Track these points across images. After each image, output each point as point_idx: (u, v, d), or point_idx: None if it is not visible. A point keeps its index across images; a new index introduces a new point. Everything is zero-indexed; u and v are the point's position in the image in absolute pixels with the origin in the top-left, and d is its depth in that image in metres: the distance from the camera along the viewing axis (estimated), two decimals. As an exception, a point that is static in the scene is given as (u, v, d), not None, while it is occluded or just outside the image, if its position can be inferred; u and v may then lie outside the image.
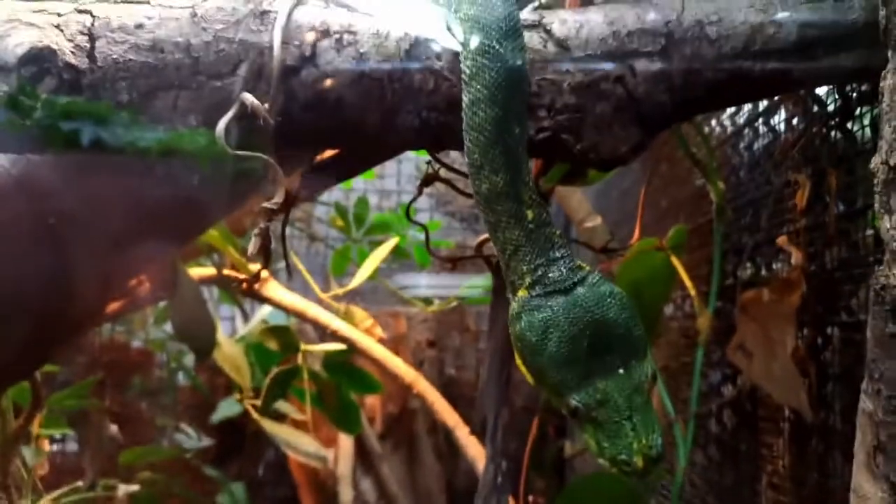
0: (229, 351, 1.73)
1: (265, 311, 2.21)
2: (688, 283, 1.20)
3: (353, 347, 1.62)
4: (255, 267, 1.58)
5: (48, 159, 0.97)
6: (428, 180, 0.97)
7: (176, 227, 1.13)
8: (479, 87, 0.74)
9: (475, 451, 1.47)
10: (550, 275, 0.73)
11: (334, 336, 1.62)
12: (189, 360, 2.74)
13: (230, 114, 0.77)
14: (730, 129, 1.44)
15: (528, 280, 0.74)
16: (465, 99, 0.75)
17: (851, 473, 0.67)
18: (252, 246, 0.81)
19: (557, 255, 0.74)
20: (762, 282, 1.21)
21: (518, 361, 0.73)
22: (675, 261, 1.23)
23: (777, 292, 1.08)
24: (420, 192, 1.02)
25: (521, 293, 0.74)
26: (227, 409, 2.57)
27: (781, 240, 1.09)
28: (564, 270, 0.73)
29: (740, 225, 1.35)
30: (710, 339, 1.20)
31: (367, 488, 2.56)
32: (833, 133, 1.04)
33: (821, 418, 1.04)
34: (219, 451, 2.73)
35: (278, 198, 0.80)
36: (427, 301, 2.26)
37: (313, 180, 1.03)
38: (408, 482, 2.61)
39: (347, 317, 1.69)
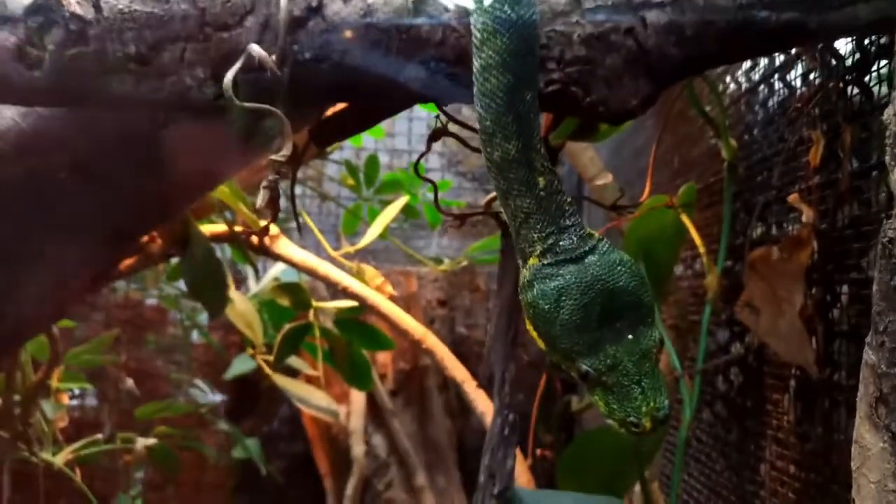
0: (242, 308, 1.75)
1: (277, 269, 2.23)
2: (697, 240, 1.20)
3: (364, 305, 1.64)
4: (265, 223, 1.59)
5: (58, 112, 0.97)
6: (437, 135, 0.97)
7: (187, 181, 1.14)
8: (490, 52, 0.73)
9: (484, 406, 1.49)
10: (562, 243, 0.73)
11: (345, 293, 1.63)
12: (203, 317, 2.78)
13: (237, 65, 0.77)
14: (745, 85, 1.42)
15: (539, 248, 0.74)
16: (476, 64, 0.74)
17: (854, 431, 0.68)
18: (260, 199, 0.81)
19: (568, 223, 0.74)
20: (772, 240, 1.20)
21: (529, 328, 0.74)
22: (685, 219, 1.23)
23: (787, 250, 1.07)
24: (429, 147, 1.01)
25: (533, 261, 0.74)
26: (240, 365, 2.61)
27: (793, 197, 1.09)
28: (575, 239, 0.73)
29: (752, 183, 1.34)
30: (718, 297, 1.20)
31: (379, 443, 2.60)
32: (850, 88, 1.02)
33: (827, 375, 1.05)
34: (233, 406, 2.79)
35: (286, 151, 0.80)
36: (437, 260, 2.27)
37: (321, 135, 1.03)
38: (419, 437, 2.65)
39: (358, 274, 1.70)
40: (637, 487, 1.44)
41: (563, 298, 0.71)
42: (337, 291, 2.59)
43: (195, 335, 2.93)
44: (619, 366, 0.70)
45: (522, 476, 1.40)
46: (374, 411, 2.60)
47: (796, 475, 1.14)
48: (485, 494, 1.01)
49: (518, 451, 1.27)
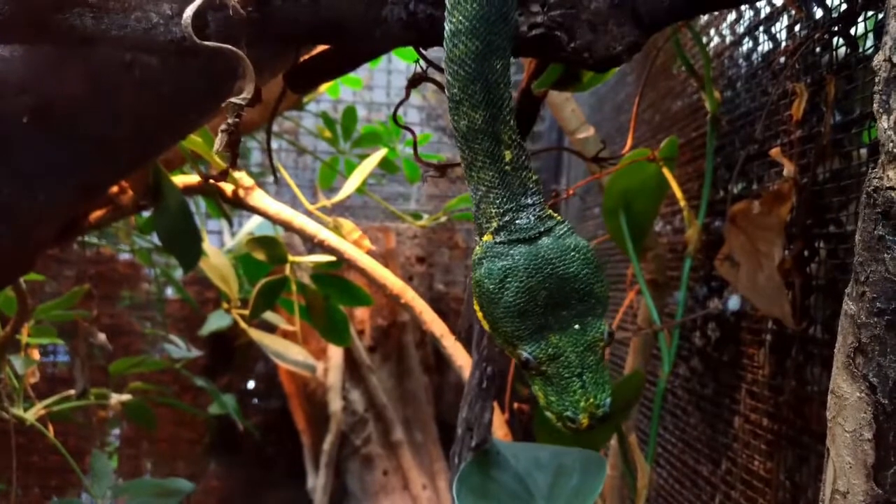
0: (216, 261, 1.72)
1: (253, 223, 2.20)
2: (679, 194, 1.19)
3: (341, 259, 1.62)
4: (241, 175, 1.56)
5: (19, 52, 0.93)
6: (416, 80, 0.94)
7: (156, 127, 1.10)
8: (460, 17, 0.70)
9: (462, 360, 1.49)
10: (518, 221, 0.71)
11: (322, 247, 1.61)
12: (177, 273, 2.75)
13: (197, 2, 0.73)
14: (729, 38, 1.40)
15: (494, 224, 0.72)
16: (447, 28, 0.71)
17: (829, 381, 0.68)
18: (218, 142, 0.78)
19: (529, 201, 0.72)
20: (753, 195, 1.20)
21: (476, 307, 0.73)
22: (666, 172, 1.22)
23: (767, 204, 1.07)
24: (408, 94, 0.98)
25: (486, 238, 0.73)
26: (216, 321, 2.59)
27: (774, 151, 1.08)
28: (532, 219, 0.72)
29: (734, 138, 1.33)
30: (698, 252, 1.20)
31: (356, 399, 2.61)
32: (836, 40, 1.01)
33: (802, 329, 1.06)
34: (208, 363, 2.78)
35: (247, 93, 0.77)
36: (416, 216, 2.25)
37: (297, 79, 1.00)
38: (396, 393, 2.67)
39: (335, 228, 1.68)
40: (613, 441, 1.46)
41: (509, 280, 0.69)
42: (313, 246, 2.58)
43: (169, 291, 2.91)
44: (561, 356, 0.68)
45: (500, 430, 1.41)
46: (352, 367, 2.61)
47: (769, 427, 1.16)
48: (462, 447, 1.02)
49: (495, 405, 1.28)
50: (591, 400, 0.67)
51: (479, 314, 0.72)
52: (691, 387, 1.50)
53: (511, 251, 0.70)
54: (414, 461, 2.59)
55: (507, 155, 0.72)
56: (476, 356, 1.03)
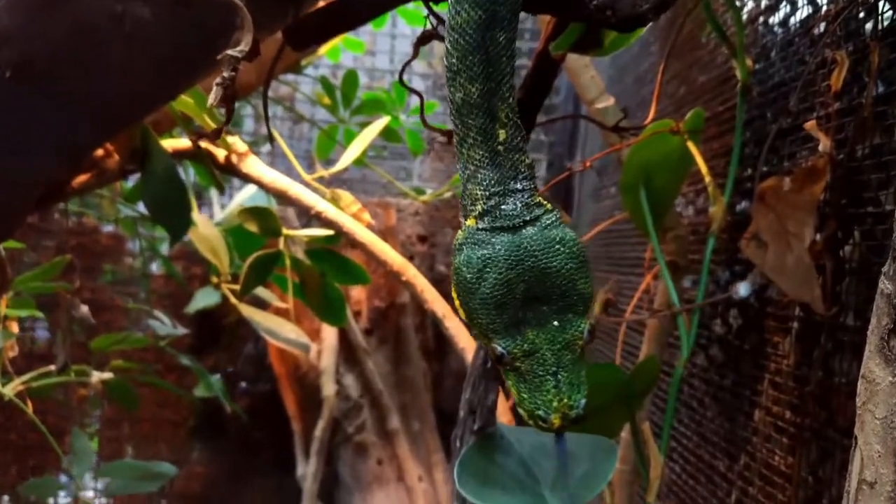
0: (206, 232, 1.72)
1: (245, 194, 2.20)
2: (703, 169, 1.18)
3: (339, 232, 1.61)
4: (235, 139, 1.55)
5: (1, 4, 0.92)
6: (425, 38, 0.93)
7: (146, 86, 1.09)
8: None
9: (465, 341, 1.49)
10: (504, 207, 0.71)
11: (319, 219, 1.61)
12: (163, 246, 2.75)
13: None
14: (764, 3, 1.39)
15: (479, 208, 0.72)
16: None
17: (858, 371, 0.68)
18: (213, 96, 0.77)
19: (518, 186, 0.72)
20: (784, 172, 1.19)
21: (454, 295, 0.73)
22: (691, 145, 1.21)
23: (799, 181, 1.06)
24: (416, 53, 0.98)
25: (470, 222, 0.72)
26: (203, 298, 2.58)
27: (809, 125, 1.07)
28: (519, 205, 0.71)
29: (765, 111, 1.32)
30: (722, 232, 1.20)
31: (351, 383, 2.62)
32: (881, 4, 1.00)
33: (832, 315, 1.05)
34: (194, 343, 2.78)
35: (244, 45, 0.76)
36: (419, 191, 2.24)
37: (297, 36, 0.99)
38: (393, 378, 2.68)
39: (334, 200, 1.67)
40: (624, 434, 1.47)
41: (488, 270, 0.69)
42: (309, 220, 2.57)
43: (155, 266, 2.91)
44: (536, 353, 0.68)
45: (504, 416, 1.41)
46: (347, 350, 2.61)
47: (792, 420, 1.16)
48: (464, 430, 1.02)
49: (500, 392, 1.28)
50: (565, 400, 0.68)
51: (456, 302, 0.73)
52: (709, 377, 1.50)
53: (493, 239, 0.70)
54: (410, 451, 2.60)
55: (502, 134, 0.72)
56: (482, 336, 1.03)
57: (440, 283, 2.93)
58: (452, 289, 0.73)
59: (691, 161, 1.28)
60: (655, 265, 1.54)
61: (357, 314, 2.67)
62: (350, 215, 1.63)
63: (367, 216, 1.68)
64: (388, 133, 2.09)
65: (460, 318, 0.75)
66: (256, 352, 2.93)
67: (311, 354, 2.59)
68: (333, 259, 1.83)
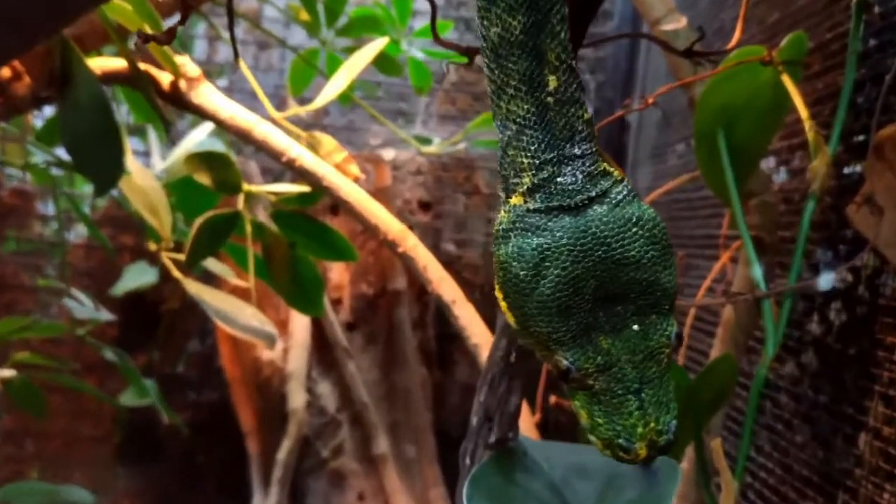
0: (143, 183, 1.72)
1: (195, 137, 2.20)
2: (803, 112, 1.18)
3: (318, 187, 1.61)
4: (185, 60, 1.55)
5: None
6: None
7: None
8: None
9: (479, 338, 1.48)
10: (560, 179, 0.71)
11: (293, 169, 1.61)
12: (85, 206, 2.76)
13: None
14: None
15: (527, 181, 0.72)
16: None
17: None
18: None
19: (577, 151, 0.71)
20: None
21: (498, 295, 0.73)
22: (787, 81, 1.21)
23: (929, 131, 1.06)
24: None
25: (516, 200, 0.72)
26: (136, 276, 2.61)
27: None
28: (581, 177, 0.71)
29: (890, 38, 1.32)
30: (825, 194, 1.20)
31: (326, 393, 2.64)
32: None
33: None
34: (123, 335, 2.80)
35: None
36: (423, 140, 2.24)
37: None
38: (382, 389, 2.69)
39: (311, 146, 1.67)
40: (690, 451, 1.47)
41: (547, 264, 0.69)
42: (277, 176, 2.58)
43: (73, 234, 2.92)
44: (613, 366, 0.69)
45: (529, 434, 1.42)
46: (322, 349, 2.62)
47: (908, 447, 1.17)
48: (477, 443, 1.02)
49: (524, 403, 1.28)
50: (652, 424, 0.68)
51: (503, 305, 0.73)
52: (800, 391, 1.50)
53: (550, 224, 0.70)
54: (402, 483, 2.61)
55: (552, 81, 0.71)
56: (503, 320, 1.04)
57: (447, 267, 2.95)
58: (497, 288, 0.73)
59: (786, 103, 1.27)
60: (734, 242, 1.54)
61: (337, 302, 2.68)
62: (333, 166, 1.63)
63: (354, 168, 1.68)
64: (384, 62, 2.08)
65: (511, 328, 0.74)
66: (203, 349, 2.95)
67: (275, 354, 2.61)
68: (308, 226, 1.83)
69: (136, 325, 2.86)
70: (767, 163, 1.63)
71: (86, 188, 2.66)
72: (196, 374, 3.00)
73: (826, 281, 1.40)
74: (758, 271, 1.26)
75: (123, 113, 2.23)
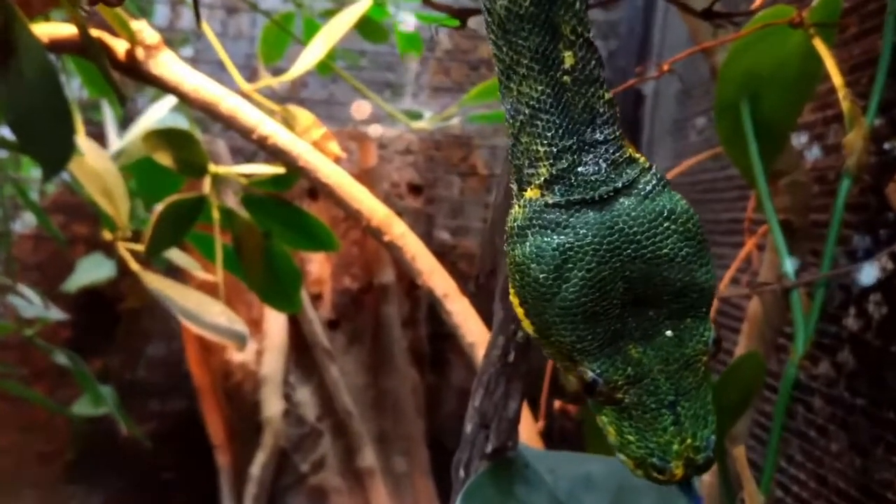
0: (97, 165, 1.72)
1: (154, 114, 2.20)
2: (837, 80, 1.18)
3: (293, 167, 1.61)
4: (142, 25, 1.55)
5: None
6: None
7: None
8: None
9: (475, 336, 1.48)
10: (581, 169, 0.70)
11: (265, 148, 1.61)
12: (33, 193, 2.76)
13: None
14: None
15: (544, 171, 0.71)
16: None
17: None
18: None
19: (598, 136, 0.71)
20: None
21: (513, 300, 0.73)
22: (819, 45, 1.21)
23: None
24: None
25: (532, 193, 0.72)
26: (90, 269, 2.61)
27: None
28: (604, 165, 0.70)
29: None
30: (863, 171, 1.20)
31: (305, 400, 2.64)
32: None
33: None
34: (77, 337, 2.80)
35: None
36: (412, 115, 2.24)
37: None
38: (369, 395, 2.70)
39: (286, 121, 1.67)
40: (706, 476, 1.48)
41: (570, 266, 0.69)
42: (248, 157, 2.57)
43: (19, 224, 2.92)
44: (645, 378, 0.69)
45: (530, 443, 1.43)
46: (301, 351, 2.63)
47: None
48: (472, 452, 1.02)
49: (525, 407, 1.29)
50: (689, 441, 0.68)
51: (520, 311, 0.73)
52: (835, 394, 1.51)
53: (572, 219, 0.70)
54: (391, 499, 2.62)
55: (568, 58, 0.71)
56: (501, 314, 1.04)
57: (440, 258, 2.95)
58: (512, 293, 0.73)
59: (819, 71, 1.27)
60: (760, 226, 1.54)
61: (317, 298, 2.68)
62: (310, 143, 1.63)
63: (335, 146, 1.68)
64: (368, 27, 2.08)
65: (530, 336, 0.74)
66: (167, 352, 2.95)
67: (247, 356, 2.61)
68: (283, 212, 1.84)
69: (91, 326, 2.87)
70: (798, 138, 1.64)
71: (33, 172, 2.66)
72: (159, 379, 3.01)
73: (864, 270, 1.40)
74: (787, 259, 1.26)
75: (75, 87, 2.24)
